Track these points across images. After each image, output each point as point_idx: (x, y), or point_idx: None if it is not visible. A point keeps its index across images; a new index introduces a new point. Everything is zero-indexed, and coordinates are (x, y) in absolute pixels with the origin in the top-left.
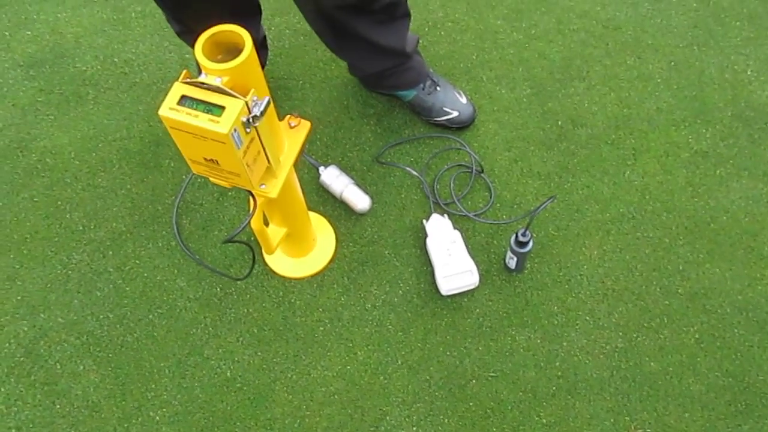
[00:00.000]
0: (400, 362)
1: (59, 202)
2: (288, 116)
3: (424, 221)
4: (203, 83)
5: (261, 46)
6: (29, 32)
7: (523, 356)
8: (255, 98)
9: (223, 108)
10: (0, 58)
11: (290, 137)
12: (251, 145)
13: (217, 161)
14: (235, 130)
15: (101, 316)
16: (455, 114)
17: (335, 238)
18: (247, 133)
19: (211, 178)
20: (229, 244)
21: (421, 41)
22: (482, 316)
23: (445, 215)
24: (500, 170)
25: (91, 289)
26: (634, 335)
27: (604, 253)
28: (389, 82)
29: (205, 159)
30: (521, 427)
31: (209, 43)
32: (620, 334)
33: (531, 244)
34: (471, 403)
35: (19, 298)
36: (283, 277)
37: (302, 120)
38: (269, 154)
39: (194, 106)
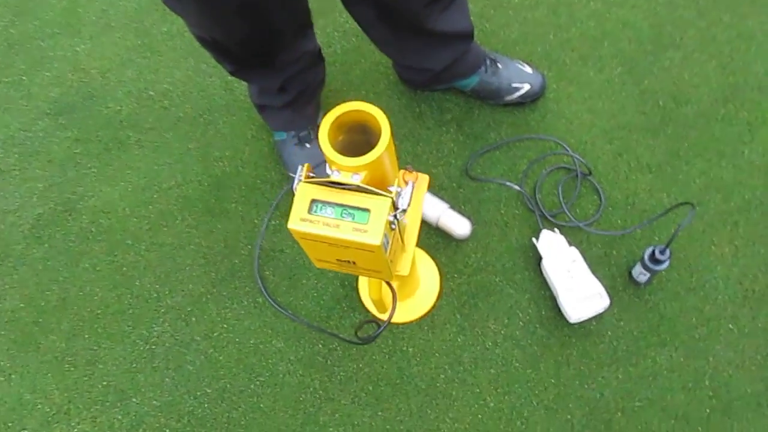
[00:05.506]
0: (535, 403)
1: (124, 268)
2: (402, 171)
3: (534, 239)
4: (338, 183)
5: (319, 59)
6: (48, 73)
7: (667, 379)
8: (398, 189)
9: (367, 211)
10: (22, 108)
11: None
12: (394, 240)
13: (354, 262)
14: (385, 235)
15: (198, 393)
16: (527, 87)
17: (438, 271)
18: (392, 230)
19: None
20: (323, 287)
21: (487, 26)
22: (616, 340)
23: (556, 230)
24: (605, 167)
25: (181, 364)
26: None
27: (737, 249)
28: (451, 72)
29: (339, 260)
30: None
31: (333, 128)
32: None
33: (669, 261)
34: None
35: (104, 383)
36: (390, 323)
37: (419, 174)
38: (403, 236)
39: (330, 213)
